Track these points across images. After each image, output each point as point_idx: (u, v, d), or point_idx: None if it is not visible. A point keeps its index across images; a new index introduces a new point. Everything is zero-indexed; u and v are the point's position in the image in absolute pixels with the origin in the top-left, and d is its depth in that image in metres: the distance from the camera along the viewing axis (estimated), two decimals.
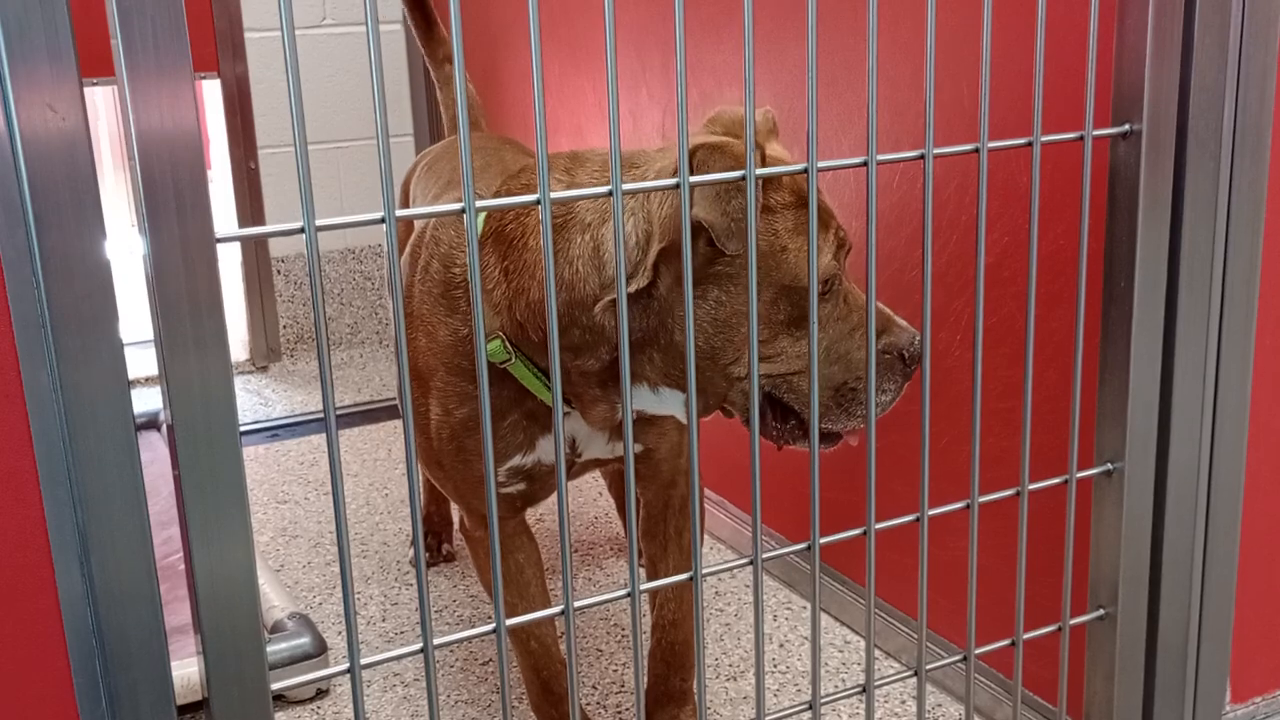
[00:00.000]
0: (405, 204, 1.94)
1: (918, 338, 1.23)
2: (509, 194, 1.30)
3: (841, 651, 1.91)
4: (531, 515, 2.35)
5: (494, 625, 0.99)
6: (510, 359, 1.29)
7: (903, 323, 1.25)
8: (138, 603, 0.87)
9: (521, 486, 1.45)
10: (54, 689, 0.88)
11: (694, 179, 0.99)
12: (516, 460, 1.41)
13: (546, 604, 1.57)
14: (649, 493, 1.54)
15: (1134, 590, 1.30)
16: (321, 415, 0.90)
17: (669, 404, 1.28)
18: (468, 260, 0.91)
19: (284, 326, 3.54)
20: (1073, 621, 1.29)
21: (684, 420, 1.32)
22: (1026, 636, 1.27)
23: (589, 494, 2.55)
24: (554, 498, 1.58)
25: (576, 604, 1.02)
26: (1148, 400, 1.24)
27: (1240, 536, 1.34)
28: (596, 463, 1.51)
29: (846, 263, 1.25)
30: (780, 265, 1.18)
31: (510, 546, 1.54)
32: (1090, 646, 1.35)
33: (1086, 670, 1.36)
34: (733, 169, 1.08)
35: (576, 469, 1.50)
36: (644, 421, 1.43)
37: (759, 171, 1.01)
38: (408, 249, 1.47)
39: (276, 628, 1.86)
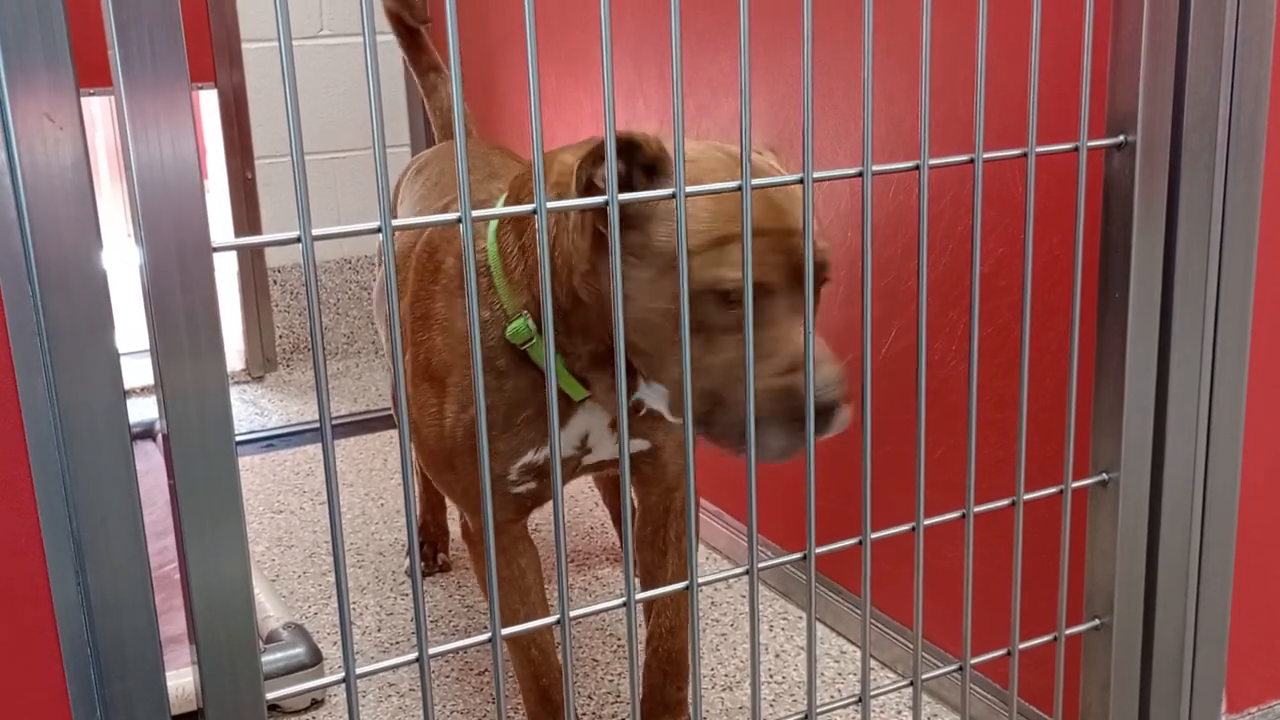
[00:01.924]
0: (395, 209, 1.94)
1: (835, 387, 1.12)
2: (522, 186, 1.33)
3: (837, 661, 1.91)
4: (528, 525, 2.34)
5: (489, 635, 0.99)
6: (533, 338, 1.30)
7: (830, 364, 1.13)
8: (133, 612, 0.86)
9: (532, 485, 1.44)
10: (49, 699, 0.87)
11: (690, 189, 0.99)
12: (529, 457, 1.40)
13: (547, 611, 1.57)
14: (651, 496, 1.53)
15: (1129, 600, 1.30)
16: (317, 425, 0.90)
17: (654, 399, 1.28)
18: (464, 267, 0.91)
19: (280, 336, 3.54)
20: (1068, 631, 1.29)
21: (671, 419, 1.31)
22: (1022, 646, 1.27)
23: (585, 504, 2.54)
24: (548, 508, 1.58)
25: (572, 613, 1.02)
26: (1143, 410, 1.24)
27: (1235, 546, 1.34)
28: (602, 465, 1.50)
29: (820, 290, 1.18)
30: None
31: (514, 551, 1.54)
32: (1086, 656, 1.35)
33: (1082, 680, 1.36)
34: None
35: (583, 469, 1.49)
36: (651, 418, 1.41)
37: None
38: (414, 256, 1.47)
39: (272, 638, 1.86)
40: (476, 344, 0.93)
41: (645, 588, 1.59)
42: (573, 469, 1.47)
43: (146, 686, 0.88)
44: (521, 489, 1.44)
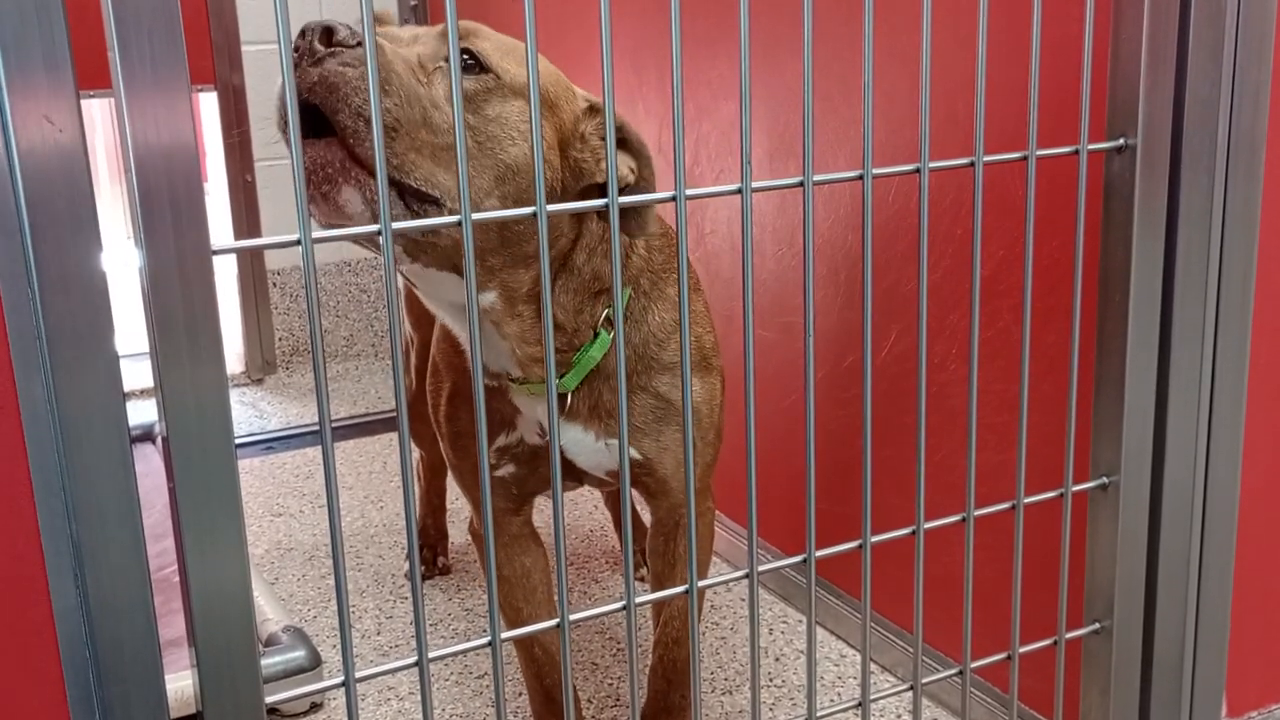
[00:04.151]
0: None
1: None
2: None
3: (837, 665, 1.91)
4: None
5: (489, 639, 0.99)
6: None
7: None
8: (132, 615, 0.86)
9: (512, 469, 1.43)
10: (47, 701, 0.87)
11: (690, 192, 0.99)
12: (501, 440, 1.40)
13: (552, 610, 1.56)
14: (660, 510, 1.52)
15: (1129, 604, 1.30)
16: (317, 428, 0.90)
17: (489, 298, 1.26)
18: (464, 270, 0.91)
19: (280, 339, 3.54)
20: (1068, 635, 1.29)
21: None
22: (1022, 650, 1.27)
23: (584, 507, 2.54)
24: (548, 512, 1.57)
25: (572, 617, 1.02)
26: (1143, 414, 1.24)
27: (1236, 550, 1.34)
28: (598, 481, 1.49)
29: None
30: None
31: (517, 549, 1.53)
32: (1086, 660, 1.35)
33: (1082, 684, 1.36)
34: None
35: (581, 476, 1.48)
36: (636, 429, 1.40)
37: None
38: None
39: (271, 641, 1.86)
40: (476, 343, 0.93)
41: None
42: (564, 469, 1.45)
43: (145, 689, 0.88)
44: (503, 473, 1.43)
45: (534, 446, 1.40)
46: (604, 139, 1.25)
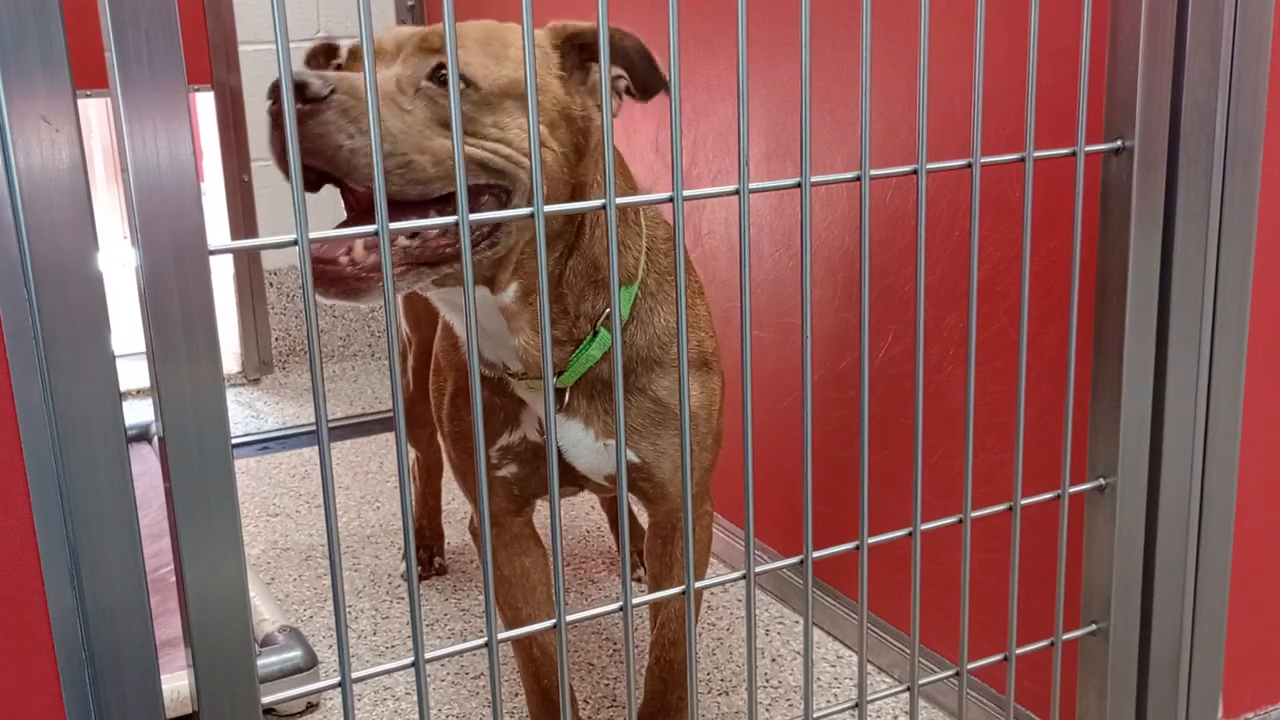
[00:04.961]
0: None
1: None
2: None
3: (834, 666, 1.91)
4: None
5: (485, 639, 0.99)
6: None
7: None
8: (128, 616, 0.86)
9: (514, 469, 1.42)
10: (44, 703, 0.87)
11: (688, 193, 0.99)
12: (504, 439, 1.40)
13: (551, 610, 1.56)
14: (658, 514, 1.51)
15: (1126, 605, 1.30)
16: (314, 428, 0.89)
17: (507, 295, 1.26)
18: (464, 272, 0.91)
19: (276, 339, 3.54)
20: (1065, 637, 1.29)
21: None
22: (1019, 652, 1.27)
23: (581, 509, 2.54)
24: (548, 513, 1.56)
25: (569, 618, 1.02)
26: (1140, 415, 1.24)
27: (1232, 551, 1.35)
28: (598, 486, 1.49)
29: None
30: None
31: (517, 549, 1.52)
32: (1083, 661, 1.35)
33: (1079, 685, 1.36)
34: None
35: (581, 481, 1.47)
36: (635, 432, 1.39)
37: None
38: None
39: (267, 641, 1.86)
40: (474, 342, 0.93)
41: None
42: (564, 473, 1.44)
43: (142, 690, 0.88)
44: (504, 473, 1.43)
45: (536, 446, 1.40)
46: (588, 78, 1.25)
